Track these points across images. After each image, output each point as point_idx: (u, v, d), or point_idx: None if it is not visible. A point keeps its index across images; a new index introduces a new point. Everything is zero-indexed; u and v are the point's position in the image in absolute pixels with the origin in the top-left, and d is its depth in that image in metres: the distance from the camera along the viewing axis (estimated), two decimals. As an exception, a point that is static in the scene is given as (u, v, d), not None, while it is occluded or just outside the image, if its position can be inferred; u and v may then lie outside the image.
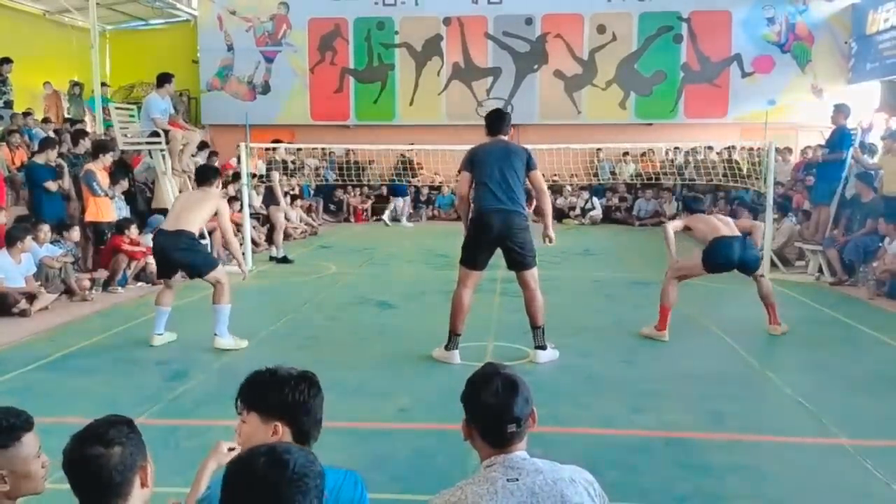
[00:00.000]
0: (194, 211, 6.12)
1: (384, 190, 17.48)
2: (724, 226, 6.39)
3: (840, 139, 9.72)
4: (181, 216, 6.08)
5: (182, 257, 6.02)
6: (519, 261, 5.54)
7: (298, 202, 14.43)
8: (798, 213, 10.96)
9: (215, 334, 5.97)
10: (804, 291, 8.52)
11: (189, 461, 3.76)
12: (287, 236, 12.04)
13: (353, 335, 6.61)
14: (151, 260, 9.06)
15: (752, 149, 14.45)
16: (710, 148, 15.67)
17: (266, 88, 17.98)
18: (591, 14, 17.16)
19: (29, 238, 7.61)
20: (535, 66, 17.45)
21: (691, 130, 16.80)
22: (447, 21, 17.41)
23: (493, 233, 5.47)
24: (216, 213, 6.19)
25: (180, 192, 10.37)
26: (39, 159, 9.33)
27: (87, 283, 8.25)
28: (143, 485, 1.81)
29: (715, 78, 17.06)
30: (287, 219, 12.25)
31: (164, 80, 9.94)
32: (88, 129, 13.12)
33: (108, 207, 9.22)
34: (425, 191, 17.61)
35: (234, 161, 13.53)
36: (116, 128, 10.58)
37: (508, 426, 1.88)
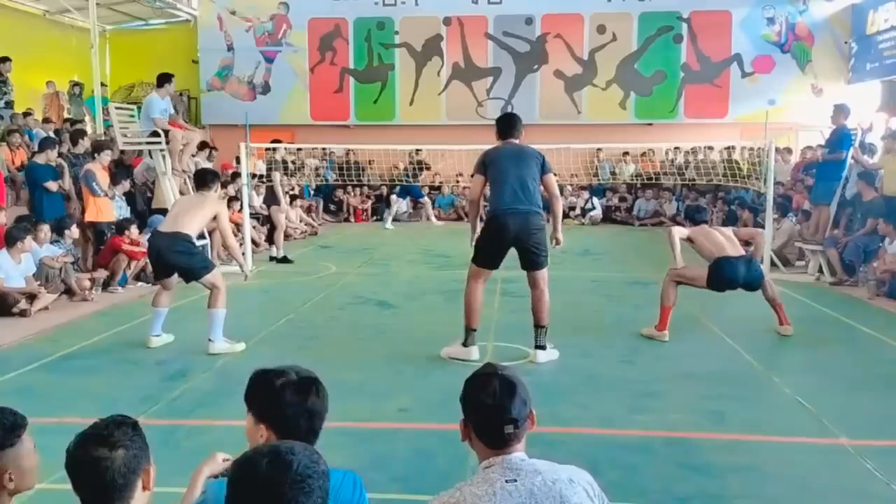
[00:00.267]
0: (192, 214, 6.07)
1: (384, 190, 17.49)
2: (729, 244, 6.34)
3: (840, 139, 9.72)
4: (178, 219, 6.04)
5: (177, 260, 5.94)
6: (534, 260, 5.55)
7: (298, 202, 14.43)
8: (798, 213, 10.96)
9: (209, 339, 5.89)
10: (804, 291, 8.51)
11: (189, 461, 3.76)
12: (287, 236, 12.04)
13: (353, 335, 6.61)
14: (151, 260, 9.09)
15: (751, 149, 14.48)
16: (710, 148, 15.68)
17: (266, 88, 17.98)
18: (591, 14, 17.16)
19: (29, 238, 7.61)
20: (535, 66, 17.45)
21: (691, 130, 16.80)
22: (447, 21, 17.41)
23: (509, 233, 5.47)
24: (215, 217, 6.16)
25: (180, 192, 10.38)
26: (40, 159, 9.33)
27: (87, 283, 8.25)
28: (145, 488, 1.81)
29: (715, 78, 17.06)
30: (287, 219, 12.25)
31: (163, 80, 9.93)
32: (88, 130, 13.13)
33: (107, 207, 9.22)
34: (425, 191, 17.59)
35: (234, 163, 13.55)
36: (116, 128, 10.57)
37: (506, 427, 1.87)
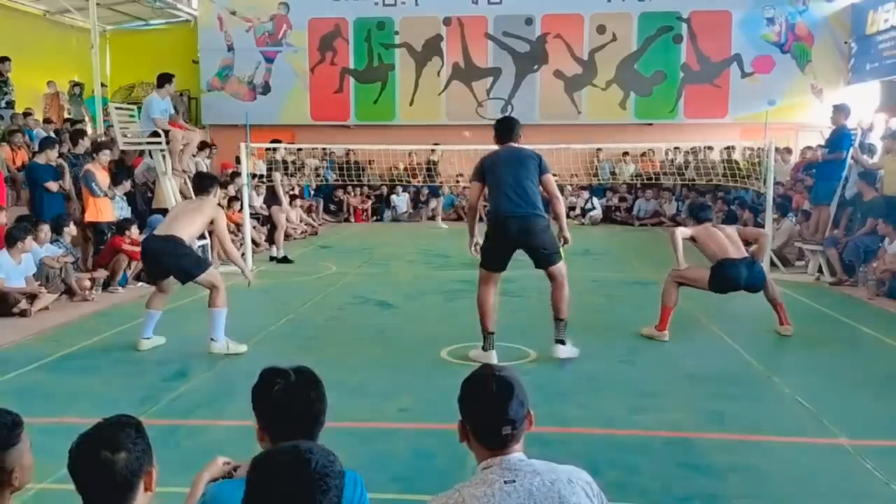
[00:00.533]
0: (189, 219, 6.01)
1: (384, 190, 17.51)
2: (732, 245, 6.33)
3: (839, 139, 9.72)
4: (173, 223, 5.99)
5: (170, 262, 5.87)
6: (544, 259, 5.57)
7: (298, 202, 14.43)
8: (798, 213, 10.96)
9: (211, 339, 5.84)
10: (804, 291, 8.51)
11: (189, 461, 3.76)
12: (287, 236, 12.04)
13: (353, 335, 6.61)
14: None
15: (751, 149, 14.49)
16: (710, 148, 15.68)
17: (266, 88, 17.98)
18: (591, 14, 17.16)
19: (29, 238, 7.61)
20: (535, 66, 17.45)
21: (691, 130, 16.80)
22: (447, 21, 17.41)
23: (511, 237, 5.48)
24: (212, 222, 6.10)
25: (180, 192, 10.38)
26: (40, 159, 9.33)
27: (87, 283, 8.25)
28: (147, 489, 1.81)
29: (715, 78, 17.06)
30: (287, 219, 12.25)
31: (164, 80, 9.94)
32: (88, 130, 13.13)
33: (107, 208, 9.22)
34: (425, 190, 17.61)
35: (234, 163, 13.55)
36: (116, 128, 10.58)
37: (503, 428, 1.87)
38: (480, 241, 5.77)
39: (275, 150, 11.89)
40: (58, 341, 6.39)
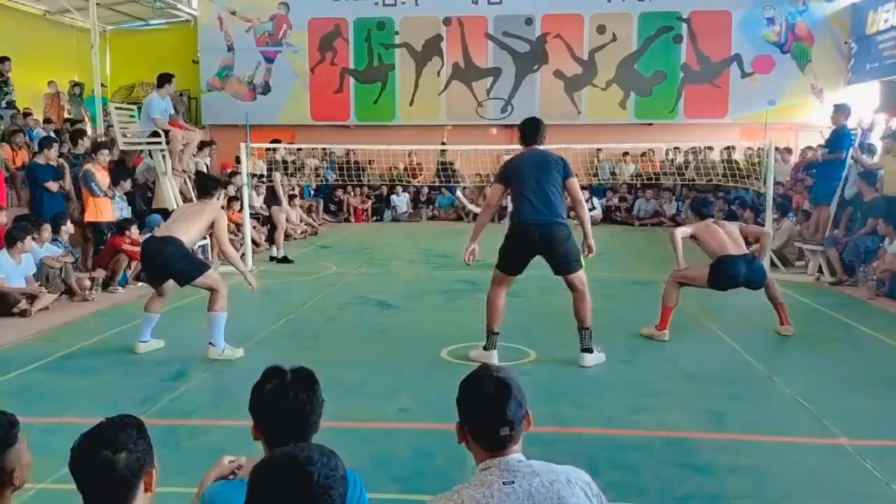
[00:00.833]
0: (189, 222, 5.89)
1: (384, 190, 17.50)
2: (732, 242, 6.33)
3: (839, 139, 9.72)
4: (173, 225, 5.91)
5: (167, 263, 5.76)
6: (563, 267, 5.52)
7: (297, 201, 14.43)
8: (798, 213, 10.96)
9: (210, 343, 5.74)
10: (804, 291, 8.51)
11: (189, 461, 3.77)
12: (287, 236, 12.04)
13: (353, 335, 6.61)
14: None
15: (750, 149, 14.49)
16: (710, 148, 15.68)
17: (266, 88, 17.98)
18: (591, 14, 17.16)
19: (29, 238, 7.60)
20: (535, 66, 17.45)
21: (691, 130, 16.80)
22: (447, 21, 17.41)
23: (532, 244, 5.45)
24: (213, 224, 5.93)
25: (180, 192, 10.39)
26: (40, 159, 9.33)
27: (87, 283, 8.25)
28: (147, 489, 1.82)
29: (715, 78, 17.06)
30: (287, 219, 12.25)
31: (164, 80, 9.95)
32: (87, 130, 13.13)
33: (107, 208, 9.22)
34: (425, 190, 17.62)
35: (234, 163, 13.54)
36: (116, 128, 10.59)
37: (501, 429, 1.86)
38: (478, 248, 5.69)
39: (275, 150, 11.90)
40: (58, 341, 6.39)
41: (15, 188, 10.01)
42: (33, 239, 7.75)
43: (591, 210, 16.47)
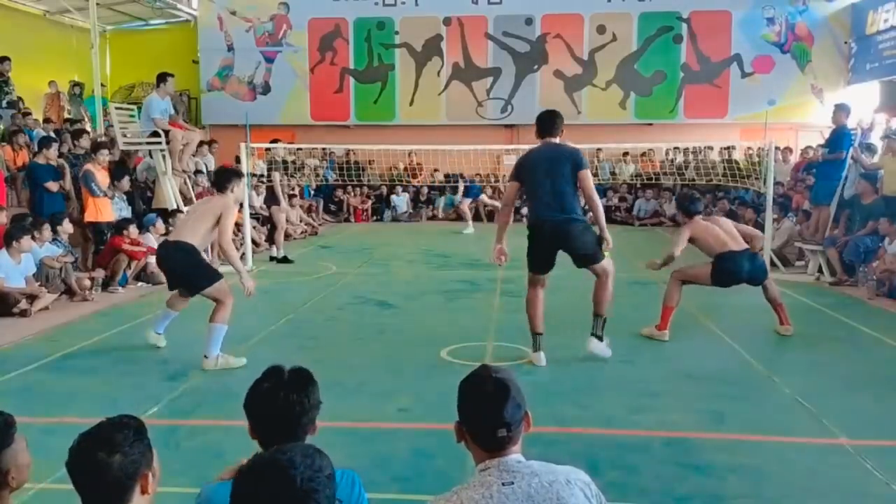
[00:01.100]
0: (198, 221, 5.69)
1: (384, 190, 17.50)
2: (731, 239, 6.32)
3: (839, 139, 9.72)
4: (183, 227, 5.80)
5: (178, 270, 5.67)
6: (584, 259, 5.52)
7: (296, 201, 14.43)
8: (798, 213, 10.96)
9: (204, 356, 5.51)
10: (804, 291, 8.51)
11: (189, 461, 3.77)
12: (287, 236, 12.04)
13: (353, 335, 6.61)
14: (152, 259, 9.09)
15: (749, 149, 14.49)
16: (710, 148, 15.68)
17: (266, 88, 17.98)
18: (591, 14, 17.17)
19: (28, 238, 7.60)
20: (535, 66, 17.46)
21: (691, 130, 16.80)
22: (447, 21, 17.41)
23: (548, 241, 5.47)
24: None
25: (180, 192, 10.40)
26: (39, 159, 9.33)
27: (87, 283, 8.25)
28: (144, 492, 1.80)
29: (715, 78, 17.07)
30: (287, 219, 12.26)
31: (161, 78, 9.98)
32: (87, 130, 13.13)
33: (107, 208, 9.22)
34: (425, 190, 17.62)
35: (234, 163, 13.53)
36: (116, 128, 10.60)
37: (499, 430, 1.86)
38: (506, 248, 5.65)
39: (274, 150, 11.90)
40: (58, 341, 6.39)
41: (15, 188, 10.02)
42: (33, 239, 7.75)
43: (591, 210, 16.49)
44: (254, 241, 11.37)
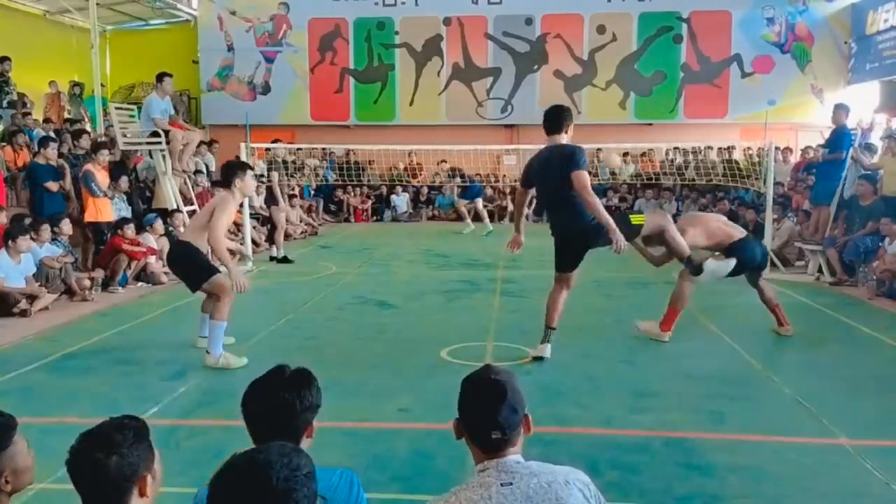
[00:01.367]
0: (199, 218, 5.74)
1: (384, 190, 17.50)
2: (732, 228, 6.35)
3: (839, 139, 9.72)
4: (188, 227, 5.83)
5: (178, 268, 5.72)
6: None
7: (296, 201, 14.43)
8: (798, 213, 10.96)
9: (206, 351, 5.56)
10: (804, 291, 8.51)
11: (189, 461, 3.77)
12: (287, 236, 12.04)
13: (353, 335, 6.61)
14: (152, 260, 9.09)
15: (749, 149, 14.49)
16: (710, 148, 15.68)
17: (266, 88, 17.99)
18: (591, 14, 17.17)
19: (27, 237, 7.59)
20: (535, 66, 17.46)
21: (691, 130, 16.80)
22: (447, 21, 17.41)
23: (562, 242, 5.53)
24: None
25: (180, 191, 10.40)
26: (39, 159, 9.33)
27: (87, 283, 8.25)
28: (142, 494, 1.78)
29: (715, 78, 17.07)
30: (287, 219, 12.26)
31: (158, 78, 10.00)
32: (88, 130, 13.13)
33: (106, 208, 9.22)
34: (425, 190, 17.62)
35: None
36: (116, 128, 10.60)
37: (493, 433, 1.86)
38: (523, 240, 5.79)
39: (274, 149, 11.90)
40: (58, 341, 6.39)
41: (15, 188, 10.02)
42: (32, 239, 7.75)
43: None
44: (254, 241, 11.37)
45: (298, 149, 15.47)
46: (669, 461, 3.90)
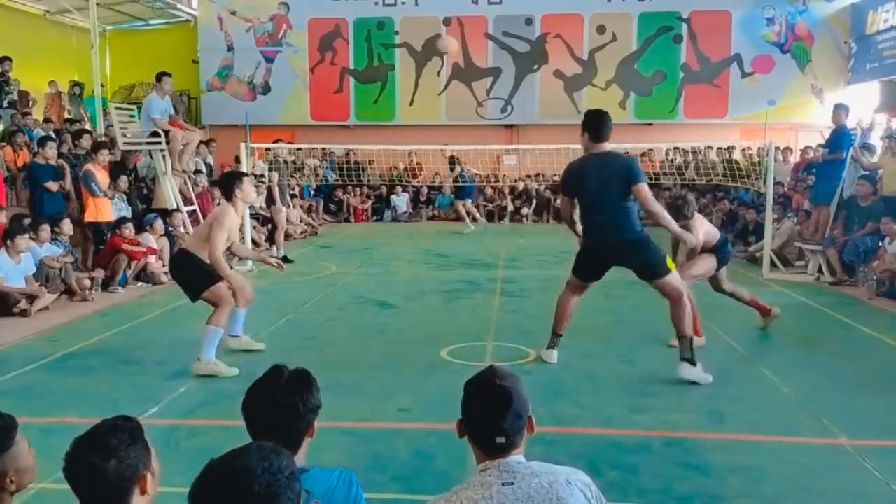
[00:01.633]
0: (201, 229, 5.74)
1: (384, 190, 17.50)
2: (711, 226, 6.49)
3: (839, 138, 9.72)
4: (192, 235, 5.85)
5: (179, 278, 5.69)
6: (646, 272, 5.30)
7: (296, 201, 14.43)
8: (798, 213, 10.95)
9: (197, 358, 5.40)
10: (804, 291, 8.51)
11: (189, 461, 3.77)
12: (287, 236, 12.05)
13: (353, 335, 6.61)
14: (151, 260, 9.09)
15: (749, 149, 14.49)
16: (710, 148, 15.68)
17: (266, 88, 17.99)
18: (591, 14, 17.17)
19: (26, 237, 7.59)
20: (535, 66, 17.46)
21: (691, 130, 16.80)
22: (447, 21, 17.41)
23: (599, 256, 5.40)
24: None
25: (180, 191, 10.40)
26: (39, 159, 9.33)
27: (87, 283, 8.25)
28: (143, 493, 1.79)
29: (715, 78, 17.08)
30: (287, 219, 12.26)
31: (159, 77, 10.00)
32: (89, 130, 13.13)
33: (107, 208, 9.22)
34: (425, 190, 17.62)
35: (234, 163, 13.54)
36: (116, 128, 10.60)
37: (497, 438, 1.86)
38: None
39: (273, 149, 11.90)
40: (58, 341, 6.39)
41: (15, 188, 10.01)
42: (32, 239, 7.74)
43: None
44: (254, 241, 11.37)
45: (298, 149, 15.48)
46: (669, 461, 3.90)
